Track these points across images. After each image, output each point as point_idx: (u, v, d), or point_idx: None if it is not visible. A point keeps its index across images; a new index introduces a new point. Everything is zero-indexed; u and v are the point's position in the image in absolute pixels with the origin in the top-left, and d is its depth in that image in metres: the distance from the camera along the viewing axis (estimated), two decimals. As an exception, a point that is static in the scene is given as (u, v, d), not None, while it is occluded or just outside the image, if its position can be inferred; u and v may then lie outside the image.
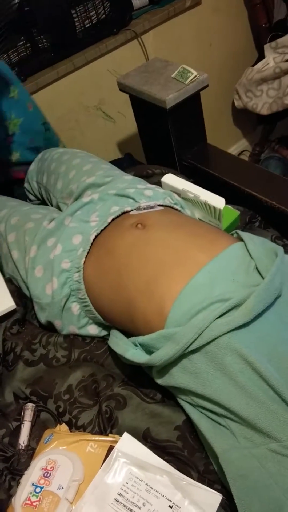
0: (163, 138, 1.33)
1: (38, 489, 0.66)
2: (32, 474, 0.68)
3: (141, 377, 0.83)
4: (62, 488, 0.66)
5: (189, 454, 0.73)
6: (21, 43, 1.47)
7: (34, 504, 0.65)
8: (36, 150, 1.32)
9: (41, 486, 0.66)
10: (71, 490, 0.65)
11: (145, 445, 0.72)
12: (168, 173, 1.07)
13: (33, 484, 0.67)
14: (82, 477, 0.67)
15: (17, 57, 1.47)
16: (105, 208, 0.95)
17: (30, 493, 0.66)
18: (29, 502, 0.65)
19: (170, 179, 1.04)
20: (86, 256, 0.88)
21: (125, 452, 0.70)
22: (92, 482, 0.66)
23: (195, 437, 0.74)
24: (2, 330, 0.94)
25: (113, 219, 0.91)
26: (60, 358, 0.89)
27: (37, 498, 0.65)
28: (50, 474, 0.68)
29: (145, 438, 0.74)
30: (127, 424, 0.76)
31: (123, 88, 1.33)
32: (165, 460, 0.70)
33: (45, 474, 0.68)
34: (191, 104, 1.27)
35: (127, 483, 0.66)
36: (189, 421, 0.76)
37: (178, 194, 1.02)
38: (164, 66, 1.32)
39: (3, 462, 0.79)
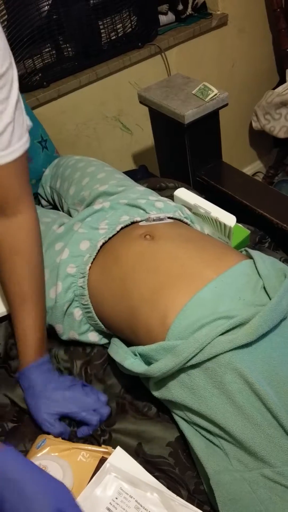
0: (179, 153, 1.33)
1: None
2: None
3: (137, 391, 0.82)
4: None
5: (180, 472, 0.71)
6: (47, 49, 1.50)
7: None
8: (33, 171, 1.30)
9: None
10: None
11: (136, 459, 0.70)
12: (181, 187, 1.07)
13: None
14: (71, 485, 0.66)
15: (41, 63, 1.50)
16: (115, 216, 0.95)
17: None
18: None
19: (182, 193, 1.04)
20: (92, 262, 0.88)
21: (116, 467, 0.68)
22: (81, 494, 0.65)
23: (187, 455, 0.73)
24: (5, 332, 0.94)
25: (122, 228, 0.91)
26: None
27: None
28: None
29: (137, 453, 0.73)
30: (119, 439, 0.75)
31: (143, 100, 1.34)
32: (155, 476, 0.69)
33: None
34: (210, 121, 1.28)
35: (116, 498, 0.65)
36: (182, 438, 0.74)
37: (189, 209, 1.02)
38: (185, 82, 1.33)
39: None
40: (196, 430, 0.70)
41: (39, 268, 0.85)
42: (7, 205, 0.80)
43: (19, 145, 0.76)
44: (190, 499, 0.68)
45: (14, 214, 0.81)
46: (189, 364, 0.67)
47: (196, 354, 0.66)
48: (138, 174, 1.50)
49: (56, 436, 0.75)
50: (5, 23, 1.37)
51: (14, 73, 0.73)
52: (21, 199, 0.81)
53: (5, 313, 0.95)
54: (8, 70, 0.72)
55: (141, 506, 0.65)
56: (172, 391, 0.70)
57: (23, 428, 0.80)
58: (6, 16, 1.36)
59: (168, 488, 0.68)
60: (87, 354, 0.90)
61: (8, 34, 1.38)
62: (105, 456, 0.71)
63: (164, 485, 0.68)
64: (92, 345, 0.92)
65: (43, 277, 0.86)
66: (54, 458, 0.70)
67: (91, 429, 0.77)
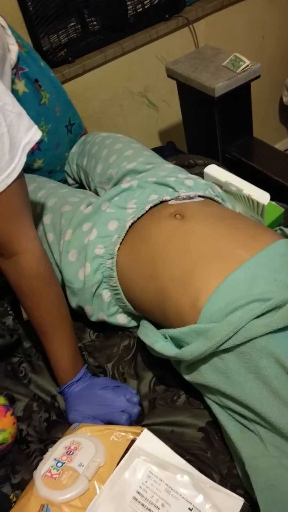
0: (208, 128, 1.29)
1: (59, 464, 0.67)
2: (56, 451, 0.69)
3: (168, 379, 0.81)
4: (83, 466, 0.66)
5: (213, 456, 0.70)
6: (72, 24, 1.46)
7: (54, 476, 0.65)
8: (60, 158, 1.27)
9: (63, 461, 0.67)
10: (91, 468, 0.65)
11: (167, 443, 0.69)
12: (211, 164, 1.03)
13: (55, 459, 0.68)
14: (103, 460, 0.67)
15: (66, 38, 1.46)
16: (143, 195, 0.92)
17: (52, 466, 0.67)
18: (49, 474, 0.66)
19: (213, 170, 1.00)
20: (121, 243, 0.86)
21: (144, 450, 0.68)
22: (110, 479, 0.64)
23: (219, 439, 0.71)
24: None
25: (151, 208, 0.89)
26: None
27: (57, 471, 0.66)
28: (73, 453, 0.68)
29: (170, 439, 0.72)
30: (151, 430, 0.74)
31: (171, 74, 1.30)
32: (186, 459, 0.68)
33: (68, 452, 0.68)
34: (241, 94, 1.23)
35: (146, 481, 0.64)
36: (214, 422, 0.73)
37: (220, 186, 0.98)
38: (215, 54, 1.27)
39: (38, 443, 0.80)
40: (229, 414, 0.68)
41: (54, 302, 0.81)
42: (1, 246, 0.74)
43: None
44: (222, 483, 0.66)
45: (11, 255, 0.75)
46: (222, 348, 0.64)
47: (230, 338, 0.64)
48: (166, 151, 1.46)
49: None
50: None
51: None
52: (15, 239, 0.74)
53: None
54: None
55: (172, 489, 0.64)
56: (205, 375, 0.68)
57: (62, 425, 0.82)
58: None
59: (200, 471, 0.67)
60: (114, 354, 0.89)
61: (33, 9, 1.35)
62: (136, 437, 0.70)
63: (195, 468, 0.67)
64: (118, 343, 0.91)
65: (61, 307, 0.82)
66: (87, 436, 0.71)
67: None
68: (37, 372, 0.91)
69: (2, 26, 1.00)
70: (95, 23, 1.49)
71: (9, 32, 1.02)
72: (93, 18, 1.49)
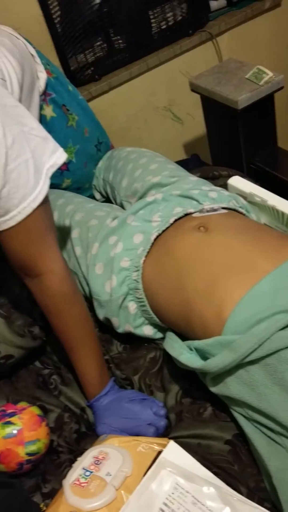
0: (232, 140, 1.30)
1: (87, 473, 0.68)
2: (84, 461, 0.70)
3: (194, 392, 0.82)
4: (110, 475, 0.67)
5: (240, 469, 0.69)
6: (98, 43, 1.50)
7: (82, 485, 0.67)
8: (88, 175, 1.30)
9: (91, 471, 0.68)
10: (118, 478, 0.66)
11: (194, 456, 0.69)
12: (235, 175, 1.04)
13: (83, 468, 0.69)
14: (130, 470, 0.68)
15: (93, 57, 1.50)
16: (168, 208, 0.94)
17: (80, 475, 0.68)
18: (77, 482, 0.67)
19: (237, 181, 1.01)
20: (146, 255, 0.87)
21: (171, 461, 0.68)
22: (137, 489, 0.65)
23: (247, 452, 0.71)
24: None
25: (175, 220, 0.90)
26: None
27: (85, 480, 0.67)
28: (100, 462, 0.69)
29: (196, 452, 0.72)
30: (178, 442, 0.74)
31: (195, 88, 1.32)
32: (213, 472, 0.68)
33: (96, 462, 0.70)
34: (264, 106, 1.23)
35: (172, 493, 0.64)
36: (241, 435, 0.73)
37: (244, 198, 0.98)
38: (238, 67, 1.29)
39: (68, 454, 0.82)
40: (256, 427, 0.68)
41: (77, 319, 0.83)
42: (26, 268, 0.78)
43: (21, 208, 0.70)
44: (250, 496, 0.66)
45: (36, 276, 0.78)
46: (247, 360, 0.65)
47: (255, 350, 0.64)
48: (190, 164, 1.48)
49: None
50: (58, 19, 1.39)
51: None
52: (39, 261, 0.77)
53: None
54: None
55: (198, 501, 0.64)
56: (230, 387, 0.68)
57: (91, 437, 0.84)
58: (59, 12, 1.38)
59: (227, 484, 0.66)
60: (141, 366, 0.90)
61: (61, 30, 1.40)
62: (163, 449, 0.71)
63: (222, 481, 0.67)
64: (144, 355, 0.91)
65: (85, 324, 0.84)
66: (114, 446, 0.72)
67: None
68: (66, 384, 0.93)
69: (32, 54, 1.04)
70: (120, 41, 1.54)
71: (38, 60, 1.06)
72: (118, 37, 1.53)
